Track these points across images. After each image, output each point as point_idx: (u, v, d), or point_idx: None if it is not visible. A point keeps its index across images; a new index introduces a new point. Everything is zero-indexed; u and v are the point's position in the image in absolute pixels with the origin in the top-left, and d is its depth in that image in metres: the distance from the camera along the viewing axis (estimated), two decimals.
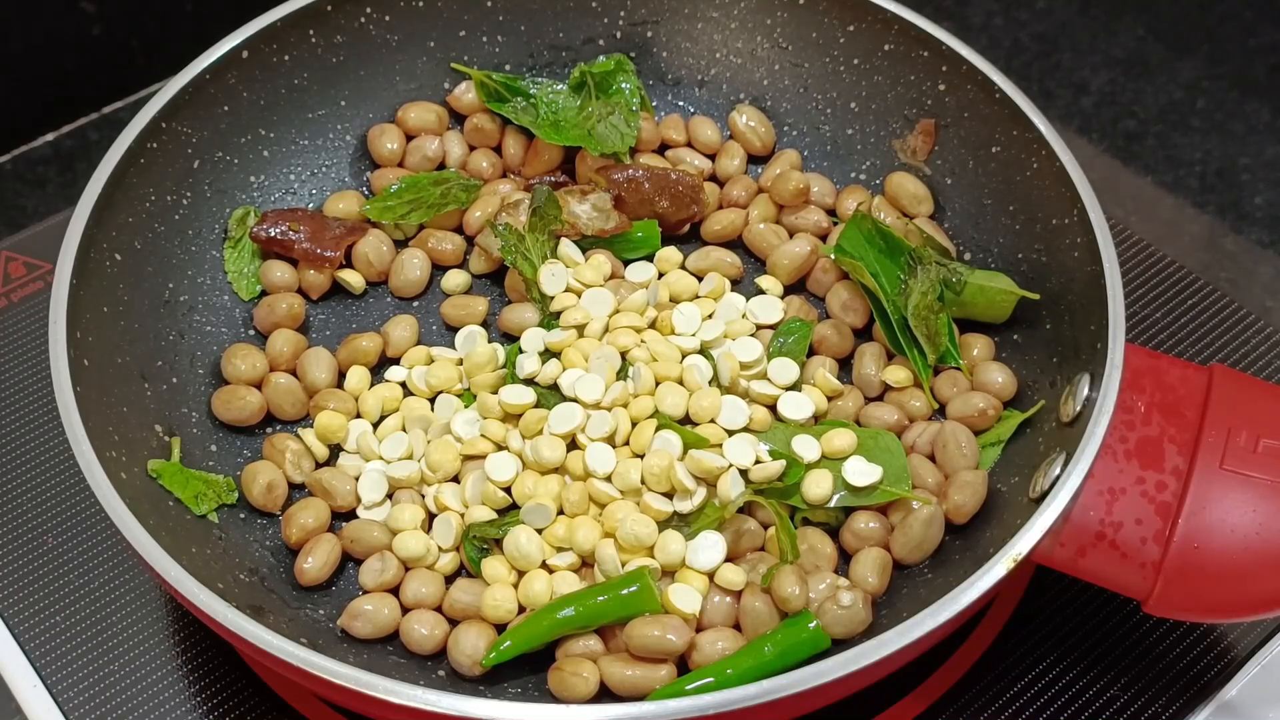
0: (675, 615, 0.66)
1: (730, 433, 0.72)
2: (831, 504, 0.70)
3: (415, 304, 0.83)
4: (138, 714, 0.72)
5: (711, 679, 0.64)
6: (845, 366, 0.78)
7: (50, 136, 1.03)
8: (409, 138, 0.87)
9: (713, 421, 0.72)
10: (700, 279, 0.81)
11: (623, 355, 0.75)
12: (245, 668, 0.73)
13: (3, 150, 1.02)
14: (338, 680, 0.58)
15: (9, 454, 0.82)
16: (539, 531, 0.70)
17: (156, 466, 0.70)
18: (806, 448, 0.71)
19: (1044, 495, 0.64)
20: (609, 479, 0.71)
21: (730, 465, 0.70)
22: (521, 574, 0.69)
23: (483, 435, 0.73)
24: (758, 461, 0.70)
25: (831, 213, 0.85)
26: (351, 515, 0.73)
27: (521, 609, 0.68)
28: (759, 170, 0.88)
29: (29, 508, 0.80)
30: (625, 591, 0.66)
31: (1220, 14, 1.11)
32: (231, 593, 0.65)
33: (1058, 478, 0.64)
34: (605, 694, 0.65)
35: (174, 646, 0.74)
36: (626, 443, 0.72)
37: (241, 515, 0.72)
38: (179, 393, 0.76)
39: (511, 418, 0.74)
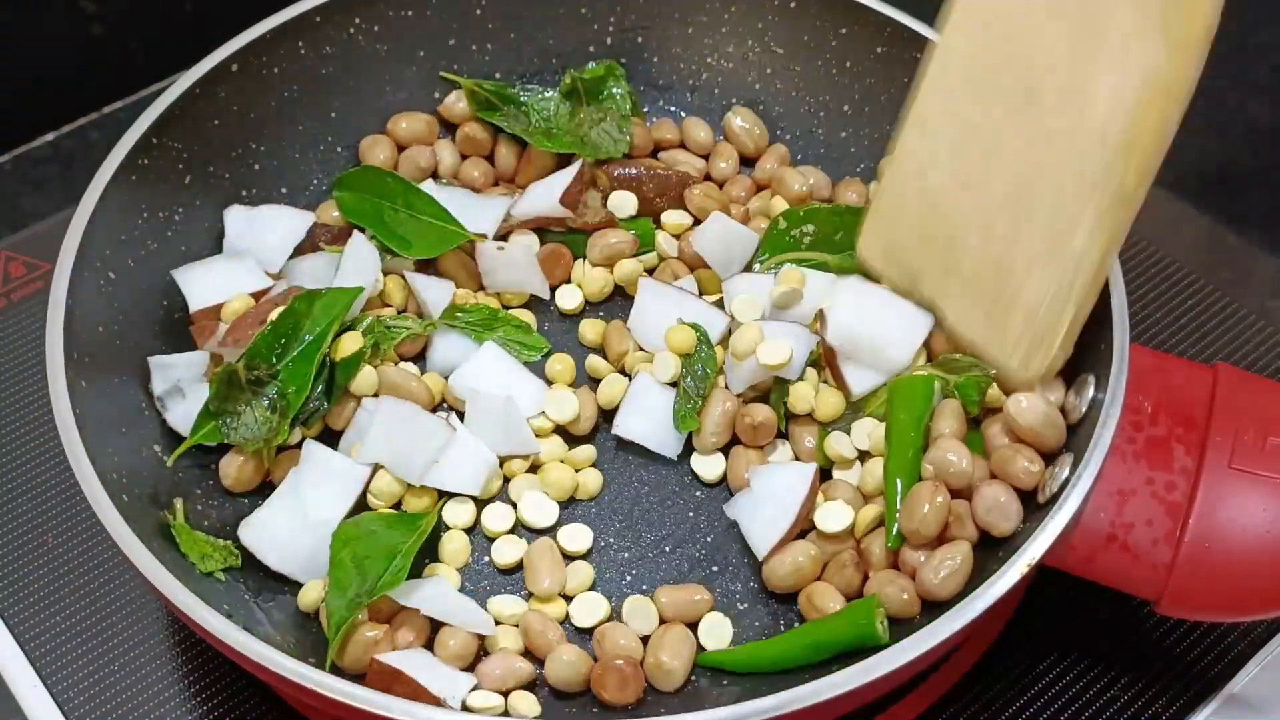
0: None
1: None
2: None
3: None
4: (137, 714, 0.72)
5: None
6: None
7: (50, 136, 1.02)
8: (400, 148, 0.86)
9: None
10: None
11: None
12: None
13: (3, 150, 1.01)
14: (354, 703, 0.57)
15: (9, 454, 0.82)
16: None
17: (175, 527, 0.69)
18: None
19: (1054, 498, 0.63)
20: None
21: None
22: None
23: None
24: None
25: None
26: None
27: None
28: (750, 172, 0.87)
29: (29, 508, 0.79)
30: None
31: (1220, 14, 1.11)
32: (238, 614, 0.64)
33: (1067, 480, 0.64)
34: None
35: (173, 646, 0.74)
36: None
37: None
38: None
39: None
